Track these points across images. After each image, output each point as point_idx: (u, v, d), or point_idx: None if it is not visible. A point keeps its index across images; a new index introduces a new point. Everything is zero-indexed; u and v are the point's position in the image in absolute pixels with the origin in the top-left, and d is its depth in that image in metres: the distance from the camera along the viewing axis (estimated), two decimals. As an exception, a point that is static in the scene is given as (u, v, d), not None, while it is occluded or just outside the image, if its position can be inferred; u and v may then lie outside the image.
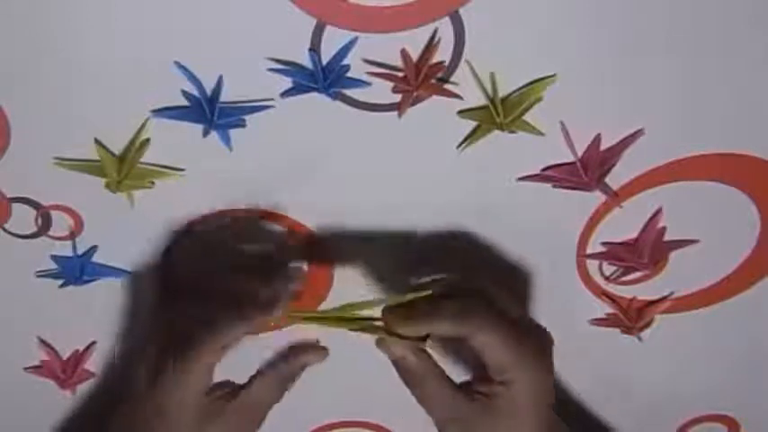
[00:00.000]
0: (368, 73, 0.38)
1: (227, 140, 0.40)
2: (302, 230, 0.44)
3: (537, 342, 0.40)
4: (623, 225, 0.44)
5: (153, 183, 0.41)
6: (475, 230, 0.44)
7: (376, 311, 0.40)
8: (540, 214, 0.44)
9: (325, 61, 0.37)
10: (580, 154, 0.41)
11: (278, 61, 0.37)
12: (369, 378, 0.45)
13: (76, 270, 0.44)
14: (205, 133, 0.39)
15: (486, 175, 0.42)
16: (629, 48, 0.38)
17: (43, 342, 0.47)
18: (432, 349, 0.41)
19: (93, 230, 0.43)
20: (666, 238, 0.45)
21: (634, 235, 0.45)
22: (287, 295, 0.43)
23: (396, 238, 0.44)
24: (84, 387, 0.49)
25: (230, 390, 0.42)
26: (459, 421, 0.40)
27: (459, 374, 0.42)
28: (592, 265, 0.46)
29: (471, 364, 0.43)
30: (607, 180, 0.42)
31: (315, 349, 0.45)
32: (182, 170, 0.41)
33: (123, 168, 0.40)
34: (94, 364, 0.48)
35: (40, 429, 0.51)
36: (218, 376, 0.41)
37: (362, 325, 0.40)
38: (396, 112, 0.39)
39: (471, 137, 0.40)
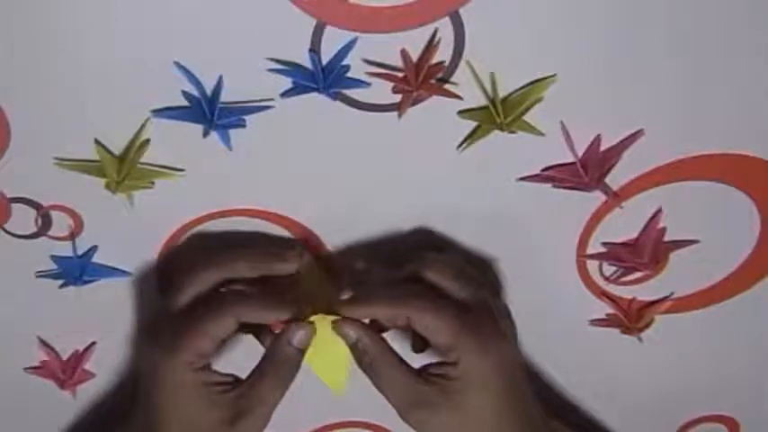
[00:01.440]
0: (368, 73, 0.38)
1: (227, 140, 0.40)
2: (301, 232, 0.44)
3: (481, 317, 0.40)
4: (623, 225, 0.44)
5: (153, 183, 0.41)
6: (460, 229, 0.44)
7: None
8: (540, 214, 0.44)
9: (325, 61, 0.37)
10: (580, 154, 0.41)
11: (278, 61, 0.37)
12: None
13: (76, 270, 0.44)
14: (205, 133, 0.39)
15: (486, 176, 0.42)
16: (629, 48, 0.38)
17: (43, 342, 0.47)
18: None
19: (93, 230, 0.43)
20: (666, 238, 0.45)
21: (634, 235, 0.45)
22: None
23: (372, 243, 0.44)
24: (84, 388, 0.49)
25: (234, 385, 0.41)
26: (419, 405, 0.40)
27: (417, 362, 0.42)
28: (592, 265, 0.46)
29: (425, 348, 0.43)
30: (607, 180, 0.42)
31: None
32: (182, 170, 0.41)
33: (123, 168, 0.40)
34: (94, 364, 0.48)
35: (40, 429, 0.50)
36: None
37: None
38: (396, 113, 0.39)
39: (471, 137, 0.40)
